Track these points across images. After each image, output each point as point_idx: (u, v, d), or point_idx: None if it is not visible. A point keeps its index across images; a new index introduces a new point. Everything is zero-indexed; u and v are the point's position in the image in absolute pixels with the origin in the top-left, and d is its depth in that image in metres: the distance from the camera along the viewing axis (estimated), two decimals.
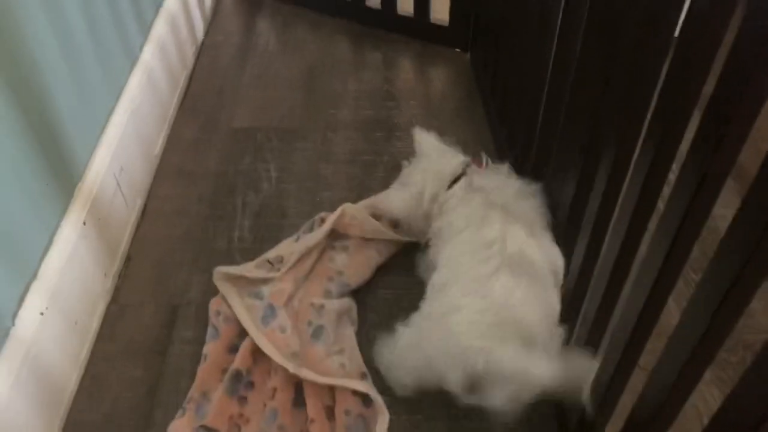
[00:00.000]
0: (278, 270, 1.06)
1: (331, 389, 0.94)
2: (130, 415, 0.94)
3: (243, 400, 0.94)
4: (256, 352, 0.97)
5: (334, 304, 1.03)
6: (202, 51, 1.62)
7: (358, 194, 1.24)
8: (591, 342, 0.82)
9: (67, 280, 0.93)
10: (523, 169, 1.17)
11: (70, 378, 0.95)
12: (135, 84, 1.21)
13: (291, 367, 0.93)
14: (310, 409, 0.92)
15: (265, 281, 1.05)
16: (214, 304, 1.04)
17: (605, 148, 0.74)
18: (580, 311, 0.85)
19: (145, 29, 1.32)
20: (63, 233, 0.94)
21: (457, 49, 1.59)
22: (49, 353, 0.88)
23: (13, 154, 0.84)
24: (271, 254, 1.11)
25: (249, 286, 1.05)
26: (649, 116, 0.65)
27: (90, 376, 0.98)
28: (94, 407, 0.95)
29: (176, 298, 1.09)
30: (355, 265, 1.10)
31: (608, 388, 0.76)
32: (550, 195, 0.97)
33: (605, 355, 0.77)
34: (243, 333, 1.00)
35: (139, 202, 1.21)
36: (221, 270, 1.07)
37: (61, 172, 0.96)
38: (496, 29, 1.31)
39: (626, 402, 0.74)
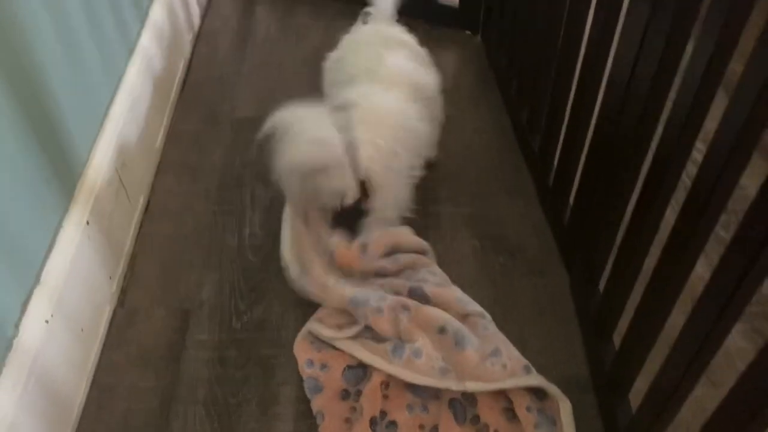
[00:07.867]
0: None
1: (502, 391, 0.88)
2: (144, 428, 0.88)
3: None
4: (390, 389, 0.89)
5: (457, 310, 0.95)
6: (199, 38, 1.54)
7: None
8: None
9: (72, 283, 0.86)
10: (548, 151, 1.11)
11: (78, 389, 0.88)
12: (134, 72, 1.13)
13: (454, 385, 0.87)
14: (489, 418, 0.86)
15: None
16: (301, 353, 0.93)
17: None
18: None
19: (142, 13, 1.24)
20: (66, 233, 0.87)
21: (467, 32, 1.52)
22: (55, 364, 0.81)
23: (11, 150, 0.76)
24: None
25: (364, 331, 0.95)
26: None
27: (98, 387, 0.91)
28: (103, 419, 0.88)
29: (187, 300, 1.01)
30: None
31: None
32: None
33: None
34: (353, 377, 0.90)
35: (141, 200, 1.14)
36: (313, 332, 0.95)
37: (61, 168, 0.88)
38: (512, 9, 1.25)
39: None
